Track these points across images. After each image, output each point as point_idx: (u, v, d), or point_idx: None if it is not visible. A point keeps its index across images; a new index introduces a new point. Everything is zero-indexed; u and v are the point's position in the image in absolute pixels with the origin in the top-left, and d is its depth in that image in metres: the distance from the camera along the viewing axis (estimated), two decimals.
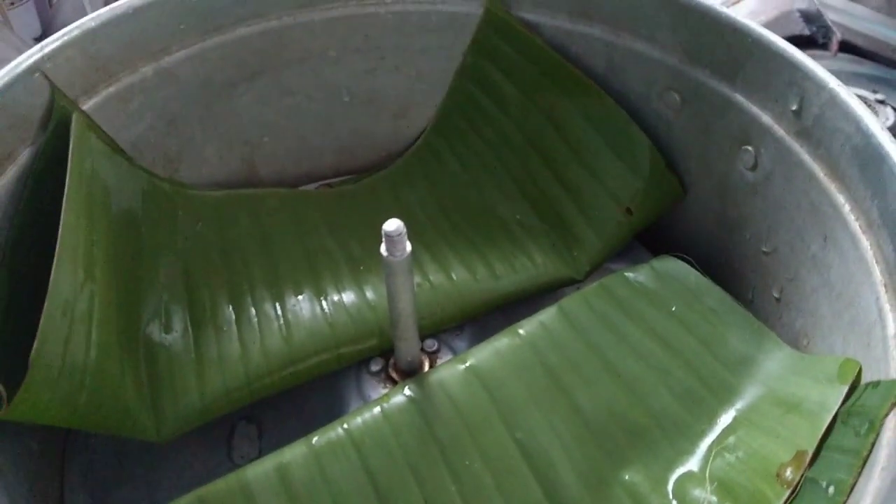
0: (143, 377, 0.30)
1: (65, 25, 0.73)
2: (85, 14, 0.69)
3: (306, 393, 0.34)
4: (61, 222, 0.27)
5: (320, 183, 0.43)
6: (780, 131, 0.32)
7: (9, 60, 0.61)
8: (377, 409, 0.30)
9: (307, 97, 0.39)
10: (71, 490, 0.31)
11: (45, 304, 0.25)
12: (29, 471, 0.28)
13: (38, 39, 0.66)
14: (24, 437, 0.28)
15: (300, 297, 0.34)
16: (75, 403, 0.26)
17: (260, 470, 0.28)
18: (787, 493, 0.25)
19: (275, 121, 0.39)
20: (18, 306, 0.28)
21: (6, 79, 0.28)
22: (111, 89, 0.33)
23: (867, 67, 0.69)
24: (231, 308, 0.34)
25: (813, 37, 0.68)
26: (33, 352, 0.24)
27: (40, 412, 0.25)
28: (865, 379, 0.26)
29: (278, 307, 0.34)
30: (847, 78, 0.64)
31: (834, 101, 0.29)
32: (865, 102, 0.57)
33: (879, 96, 0.63)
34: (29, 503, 0.27)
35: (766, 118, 0.32)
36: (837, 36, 0.68)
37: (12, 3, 0.66)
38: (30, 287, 0.28)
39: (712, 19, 0.33)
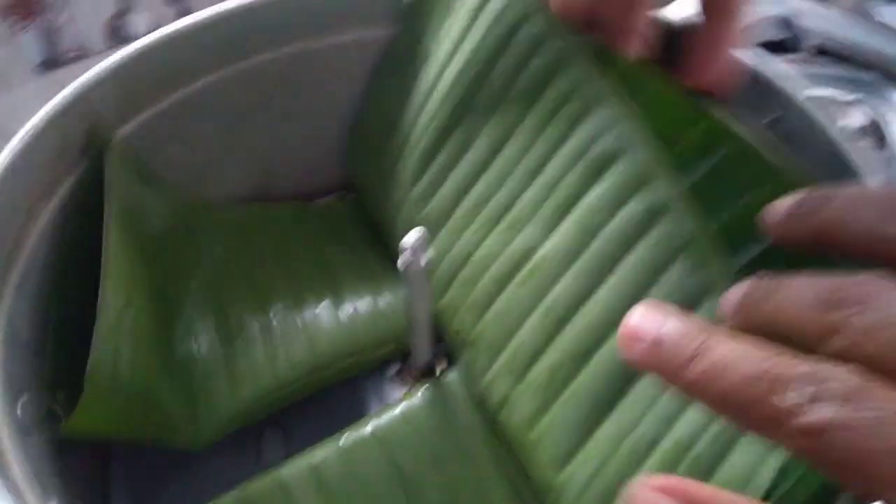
0: (178, 389, 0.33)
1: (68, 50, 0.74)
2: (88, 41, 0.70)
3: (329, 397, 0.36)
4: (104, 247, 0.29)
5: (333, 195, 0.45)
6: None
7: (20, 82, 0.62)
8: (398, 410, 0.32)
9: (320, 117, 0.42)
10: (117, 498, 0.33)
11: (96, 325, 0.27)
12: (81, 481, 0.30)
13: (43, 63, 0.68)
14: (81, 452, 0.30)
15: (320, 307, 0.37)
16: (125, 417, 0.29)
17: (294, 469, 0.31)
18: None
19: (290, 140, 0.42)
20: (70, 328, 0.30)
21: (55, 110, 0.30)
22: (142, 116, 0.35)
23: (841, 70, 0.72)
24: (257, 322, 0.36)
25: (788, 41, 0.71)
26: (88, 370, 0.27)
27: (96, 427, 0.28)
28: None
29: (300, 319, 0.36)
30: (822, 80, 0.67)
31: (803, 114, 0.32)
32: (836, 103, 0.61)
33: (852, 97, 0.66)
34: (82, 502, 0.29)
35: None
36: (812, 40, 0.71)
37: (21, 29, 0.68)
38: (77, 309, 0.30)
39: None
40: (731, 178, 0.30)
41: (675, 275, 0.27)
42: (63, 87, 0.59)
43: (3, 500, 0.20)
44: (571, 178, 0.31)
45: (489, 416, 0.32)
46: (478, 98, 0.35)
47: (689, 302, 0.27)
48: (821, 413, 0.15)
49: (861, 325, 0.16)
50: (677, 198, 0.28)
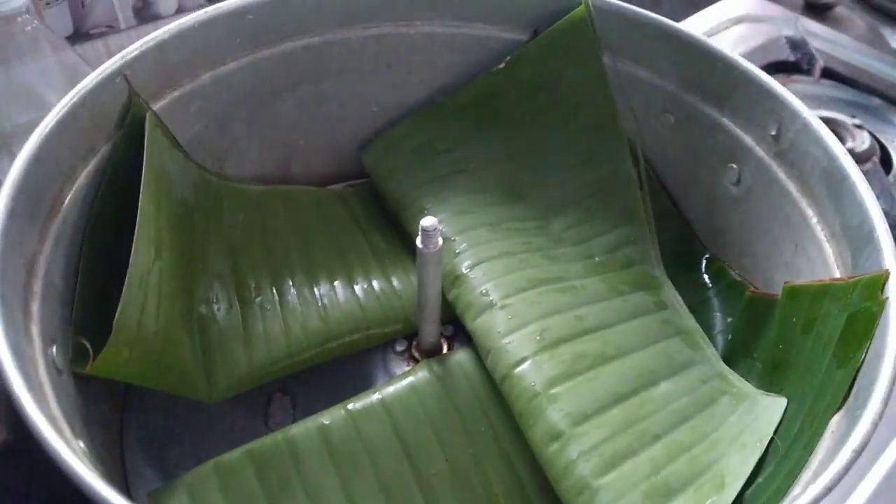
0: (197, 346, 0.35)
1: (95, 26, 0.77)
2: (115, 16, 0.72)
3: (336, 369, 0.38)
4: (140, 206, 0.31)
5: (346, 183, 0.47)
6: (760, 152, 0.36)
7: (43, 55, 0.65)
8: (406, 381, 0.34)
9: (340, 106, 0.44)
10: (130, 447, 0.35)
11: (127, 276, 0.29)
12: (100, 428, 0.32)
13: (70, 38, 0.70)
14: (100, 400, 0.32)
15: (335, 284, 0.39)
16: (147, 363, 0.31)
17: (303, 429, 0.32)
18: None
19: (310, 126, 0.44)
20: (97, 280, 0.32)
21: (95, 82, 0.32)
22: (175, 94, 0.37)
23: (847, 93, 0.74)
24: (274, 290, 0.38)
25: (797, 63, 0.73)
26: (117, 315, 0.28)
27: (119, 369, 0.30)
28: None
29: (316, 291, 0.38)
30: (828, 102, 0.69)
31: (806, 128, 0.34)
32: (844, 126, 0.63)
33: (857, 121, 0.67)
34: (101, 455, 0.31)
35: (748, 140, 0.37)
36: (820, 63, 0.73)
37: (48, 3, 0.70)
38: (106, 263, 0.32)
39: (705, 52, 0.38)
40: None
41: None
42: (89, 60, 0.61)
43: (45, 430, 0.22)
44: (601, 254, 0.40)
45: (491, 392, 0.34)
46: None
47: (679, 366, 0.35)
48: None
49: None
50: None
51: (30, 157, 0.28)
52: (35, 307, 0.27)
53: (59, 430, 0.22)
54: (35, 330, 0.27)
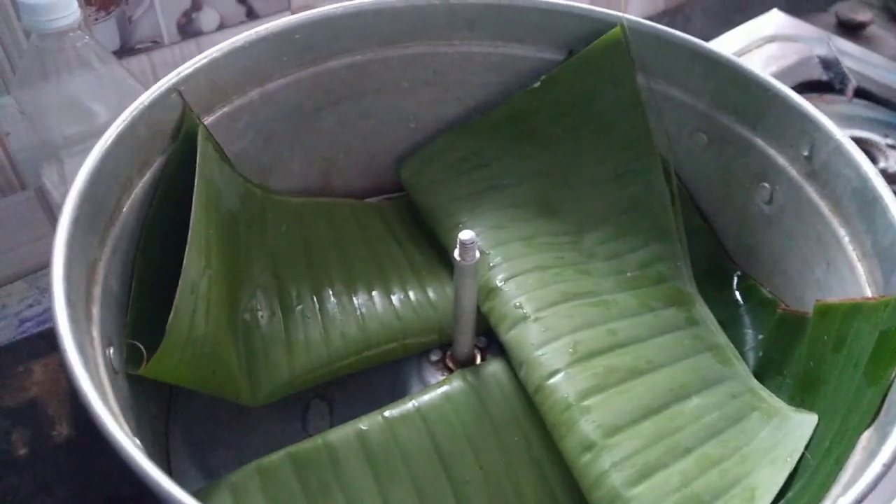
0: (241, 351, 0.36)
1: (140, 41, 0.79)
2: (159, 31, 0.75)
3: (373, 377, 0.39)
4: (192, 217, 0.32)
5: (383, 197, 0.48)
6: (793, 172, 0.37)
7: (92, 68, 0.67)
8: (441, 390, 0.35)
9: (380, 122, 0.45)
10: (175, 448, 0.36)
11: (180, 282, 0.31)
12: (149, 428, 0.33)
13: (117, 52, 0.72)
14: (149, 401, 0.33)
15: (373, 294, 0.40)
16: (196, 366, 0.32)
17: (342, 433, 0.34)
18: None
19: (350, 141, 0.45)
20: (149, 286, 0.33)
21: (151, 98, 0.34)
22: (225, 109, 0.38)
23: (880, 113, 0.73)
24: (314, 299, 0.39)
25: (830, 82, 0.73)
26: (170, 320, 0.30)
27: (170, 371, 0.31)
28: None
29: (354, 301, 0.39)
30: (860, 122, 0.69)
31: (839, 150, 0.34)
32: (876, 147, 0.63)
33: (890, 141, 0.67)
34: (151, 453, 0.32)
35: (781, 160, 0.38)
36: (853, 83, 0.73)
37: (96, 20, 0.72)
38: (158, 270, 0.33)
39: (738, 73, 0.39)
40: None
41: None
42: (134, 73, 0.63)
43: (110, 425, 0.23)
44: (634, 270, 0.41)
45: (524, 403, 0.35)
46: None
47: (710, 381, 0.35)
48: None
49: None
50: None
51: (92, 169, 0.30)
52: (95, 310, 0.29)
53: (121, 426, 0.24)
54: (95, 332, 0.28)
